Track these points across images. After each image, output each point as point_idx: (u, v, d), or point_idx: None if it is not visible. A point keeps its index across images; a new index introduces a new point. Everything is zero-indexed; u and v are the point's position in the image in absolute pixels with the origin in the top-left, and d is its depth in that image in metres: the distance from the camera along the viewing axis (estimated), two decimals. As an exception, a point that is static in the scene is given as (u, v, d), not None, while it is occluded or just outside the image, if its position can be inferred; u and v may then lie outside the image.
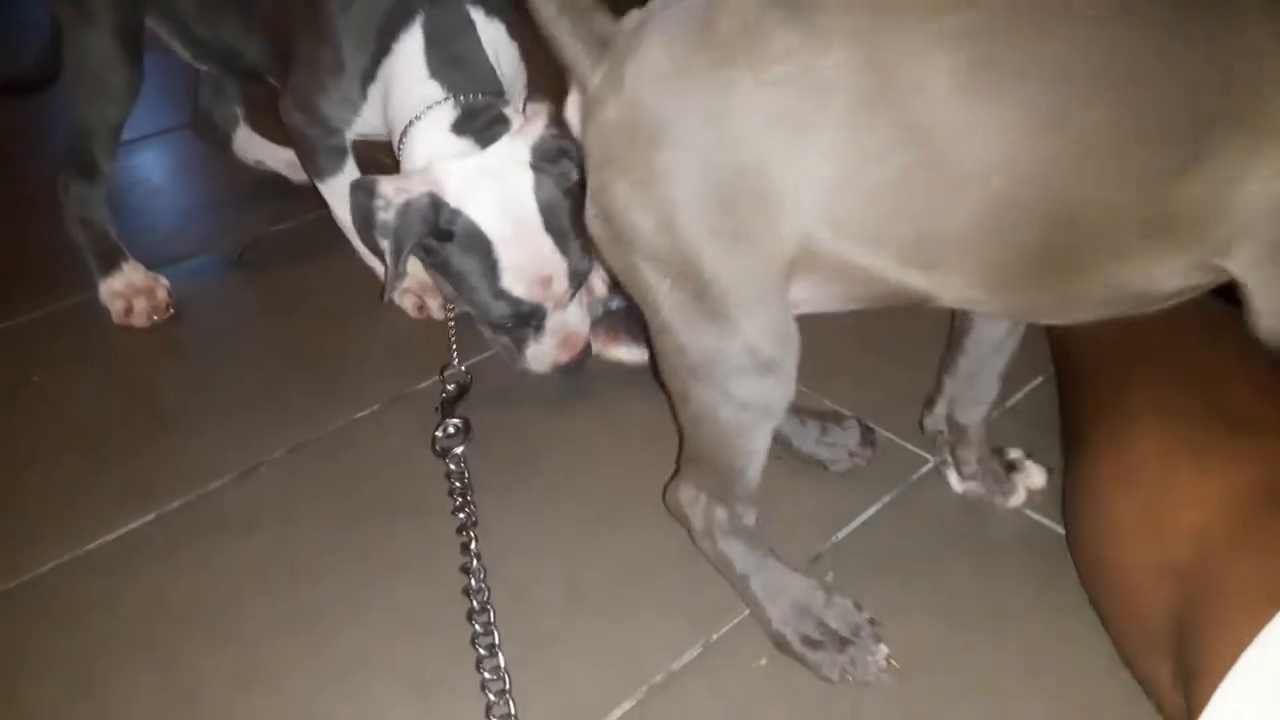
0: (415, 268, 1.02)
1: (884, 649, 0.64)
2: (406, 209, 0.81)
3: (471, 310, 0.89)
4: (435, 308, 1.02)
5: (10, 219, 1.19)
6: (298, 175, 1.26)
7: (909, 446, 0.83)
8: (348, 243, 1.08)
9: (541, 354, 0.90)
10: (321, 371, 0.95)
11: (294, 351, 0.99)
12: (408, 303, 1.03)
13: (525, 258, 0.84)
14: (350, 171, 0.98)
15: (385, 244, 0.82)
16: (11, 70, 1.17)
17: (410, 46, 0.88)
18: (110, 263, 1.03)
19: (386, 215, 0.81)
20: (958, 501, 0.78)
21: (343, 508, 0.80)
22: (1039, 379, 0.89)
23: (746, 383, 0.58)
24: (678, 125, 0.52)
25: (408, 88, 0.88)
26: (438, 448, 0.83)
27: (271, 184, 1.27)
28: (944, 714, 0.62)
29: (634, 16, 0.55)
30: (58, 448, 0.87)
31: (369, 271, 1.04)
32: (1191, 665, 0.53)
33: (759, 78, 0.50)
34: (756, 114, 0.51)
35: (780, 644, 0.66)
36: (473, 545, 0.74)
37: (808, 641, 0.65)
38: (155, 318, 1.01)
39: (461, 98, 0.87)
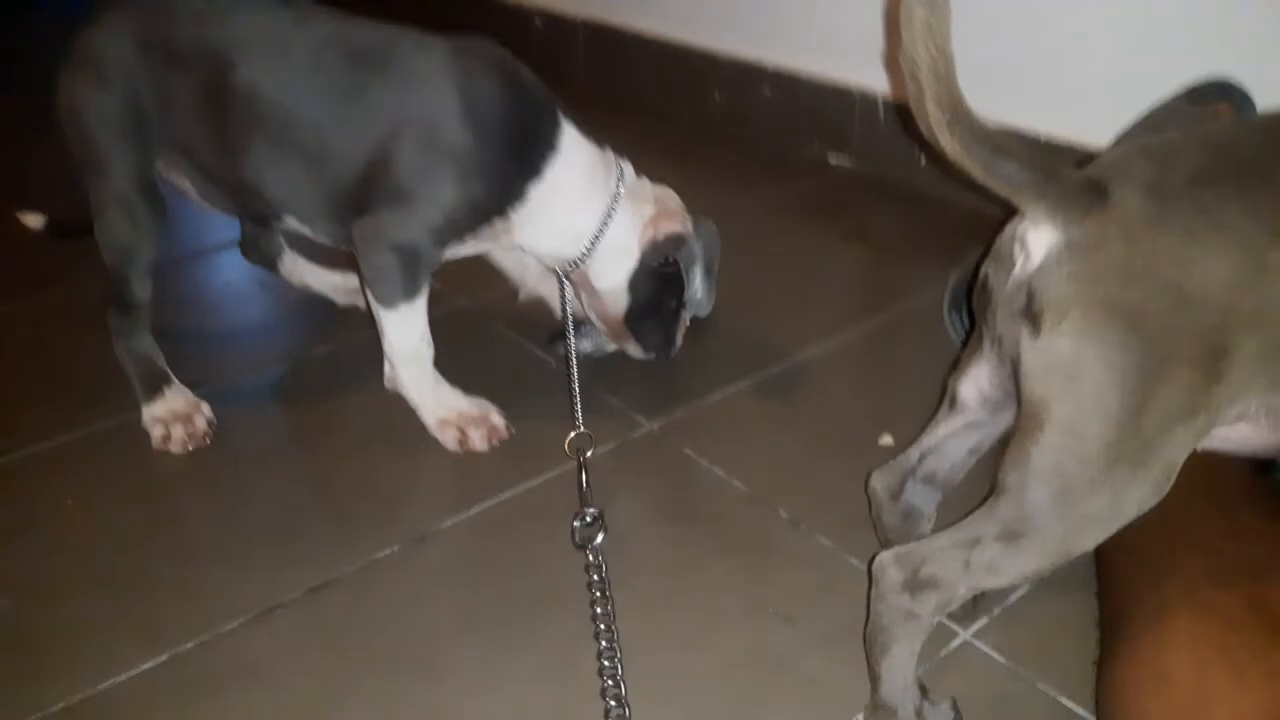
0: (458, 400, 1.04)
1: None
2: (699, 232, 1.05)
3: (686, 306, 1.09)
4: (477, 439, 1.02)
5: (65, 337, 1.23)
6: (343, 299, 1.29)
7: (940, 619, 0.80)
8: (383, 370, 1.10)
9: (680, 329, 1.13)
10: (345, 507, 0.95)
11: (320, 484, 0.99)
12: (449, 436, 1.03)
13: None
14: (424, 299, 1.00)
15: (698, 269, 1.06)
16: (64, 213, 1.23)
17: (571, 133, 1.00)
18: (154, 388, 1.05)
19: (695, 249, 1.05)
20: (987, 682, 0.75)
21: (355, 661, 0.78)
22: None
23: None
24: (1175, 271, 0.56)
25: (592, 169, 1.01)
26: (577, 539, 0.87)
27: (316, 304, 1.30)
28: None
29: (1118, 168, 0.59)
30: (78, 579, 0.87)
31: (402, 400, 1.05)
32: None
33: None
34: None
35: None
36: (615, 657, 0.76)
37: None
38: (191, 446, 1.03)
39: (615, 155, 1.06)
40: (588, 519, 0.89)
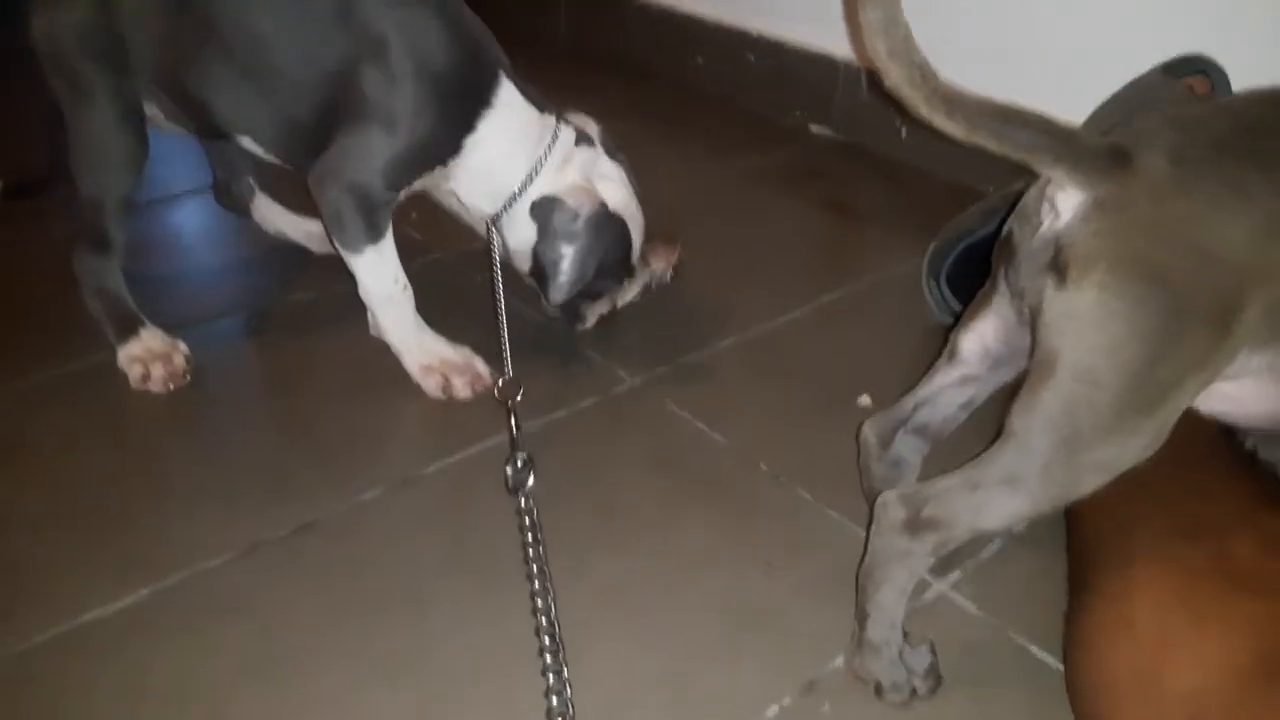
0: (441, 347, 1.04)
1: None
2: (594, 221, 1.01)
3: (577, 289, 1.04)
4: (460, 386, 1.02)
5: (37, 276, 1.20)
6: (318, 246, 1.28)
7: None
8: (365, 316, 1.10)
9: (596, 311, 1.11)
10: (329, 449, 0.95)
11: (303, 426, 0.99)
12: (431, 382, 1.03)
13: (639, 237, 1.07)
14: (389, 240, 1.00)
15: (569, 250, 1.00)
16: (21, 174, 1.20)
17: (509, 92, 1.00)
18: (128, 329, 1.04)
19: (575, 226, 1.00)
20: (961, 631, 0.77)
21: (338, 599, 0.79)
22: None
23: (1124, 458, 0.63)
24: (1199, 232, 0.58)
25: (525, 129, 1.01)
26: (510, 484, 0.88)
27: (292, 251, 1.29)
28: None
29: (1142, 135, 0.62)
30: (60, 513, 0.87)
31: (385, 346, 1.05)
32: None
33: None
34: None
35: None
36: (550, 607, 0.76)
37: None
38: (172, 385, 1.02)
39: (561, 120, 1.04)
40: (519, 464, 0.90)
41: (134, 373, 1.02)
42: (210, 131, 1.05)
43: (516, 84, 1.01)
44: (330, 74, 0.95)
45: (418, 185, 1.02)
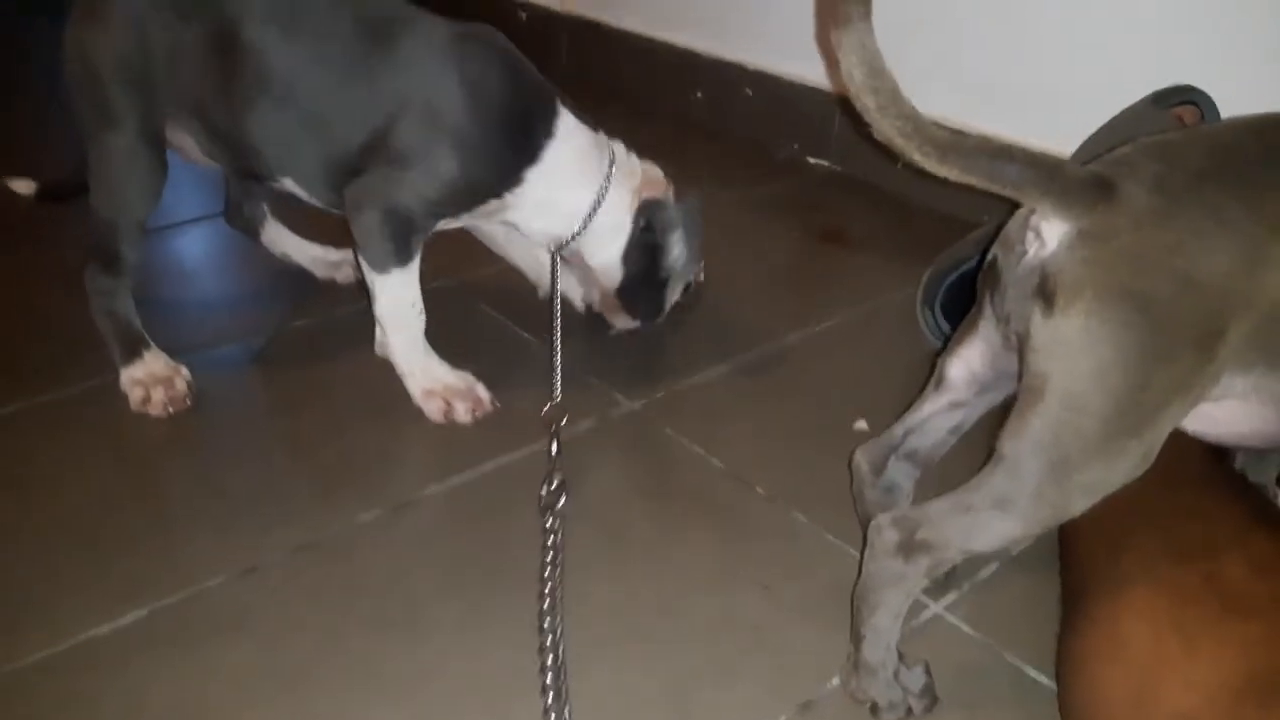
0: (444, 372, 1.05)
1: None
2: (681, 202, 1.09)
3: (663, 276, 1.11)
4: (461, 411, 1.03)
5: (41, 298, 1.22)
6: (323, 272, 1.30)
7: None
8: (367, 342, 1.11)
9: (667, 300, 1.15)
10: (330, 471, 0.96)
11: (305, 449, 0.99)
12: (433, 406, 1.04)
13: None
14: (415, 265, 1.01)
15: (677, 234, 1.08)
16: (53, 177, 1.22)
17: (568, 121, 1.03)
18: (132, 351, 1.05)
19: (671, 212, 1.07)
20: (956, 652, 0.77)
21: (337, 619, 0.79)
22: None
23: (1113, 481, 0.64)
24: (1182, 261, 0.59)
25: (587, 152, 1.05)
26: (542, 504, 0.89)
27: (297, 277, 1.30)
28: None
29: (1124, 165, 0.63)
30: (59, 534, 0.87)
31: (386, 372, 1.06)
32: None
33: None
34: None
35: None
36: (558, 628, 0.76)
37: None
38: (171, 409, 1.03)
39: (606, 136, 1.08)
40: (554, 484, 0.91)
41: (135, 395, 1.03)
42: (253, 174, 1.06)
43: (573, 110, 1.05)
44: (387, 118, 0.96)
45: (465, 219, 1.04)
